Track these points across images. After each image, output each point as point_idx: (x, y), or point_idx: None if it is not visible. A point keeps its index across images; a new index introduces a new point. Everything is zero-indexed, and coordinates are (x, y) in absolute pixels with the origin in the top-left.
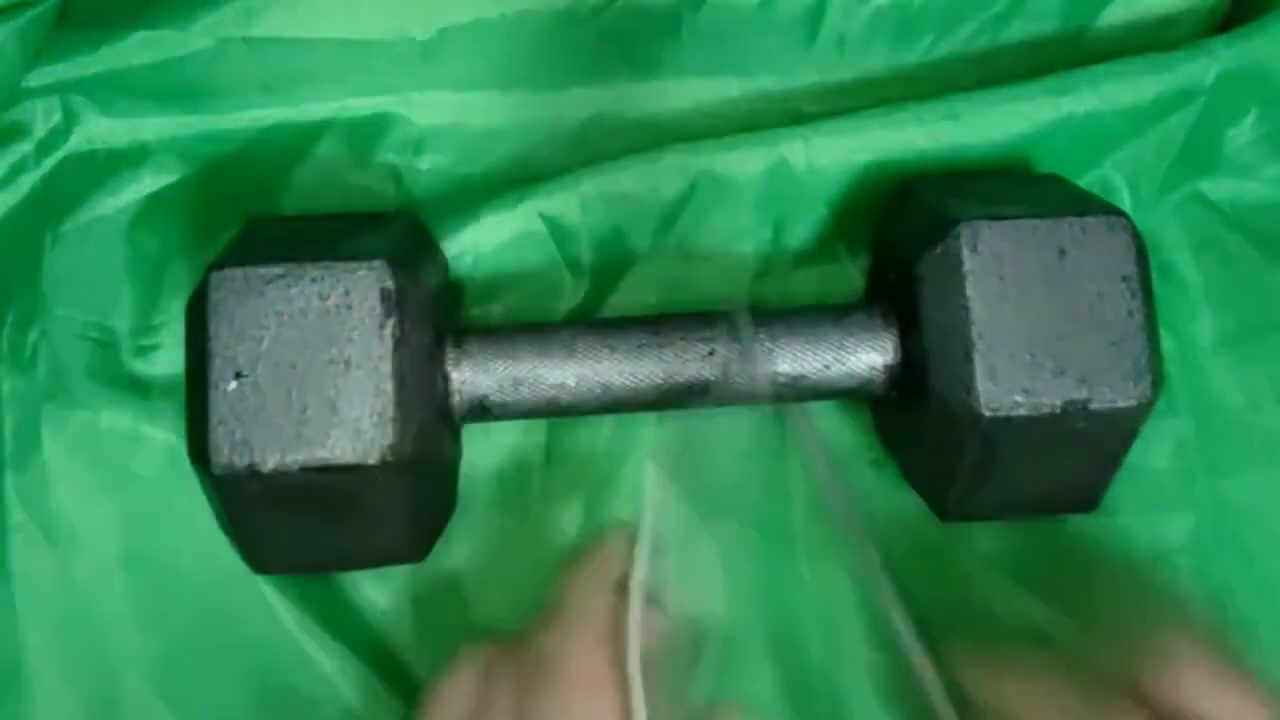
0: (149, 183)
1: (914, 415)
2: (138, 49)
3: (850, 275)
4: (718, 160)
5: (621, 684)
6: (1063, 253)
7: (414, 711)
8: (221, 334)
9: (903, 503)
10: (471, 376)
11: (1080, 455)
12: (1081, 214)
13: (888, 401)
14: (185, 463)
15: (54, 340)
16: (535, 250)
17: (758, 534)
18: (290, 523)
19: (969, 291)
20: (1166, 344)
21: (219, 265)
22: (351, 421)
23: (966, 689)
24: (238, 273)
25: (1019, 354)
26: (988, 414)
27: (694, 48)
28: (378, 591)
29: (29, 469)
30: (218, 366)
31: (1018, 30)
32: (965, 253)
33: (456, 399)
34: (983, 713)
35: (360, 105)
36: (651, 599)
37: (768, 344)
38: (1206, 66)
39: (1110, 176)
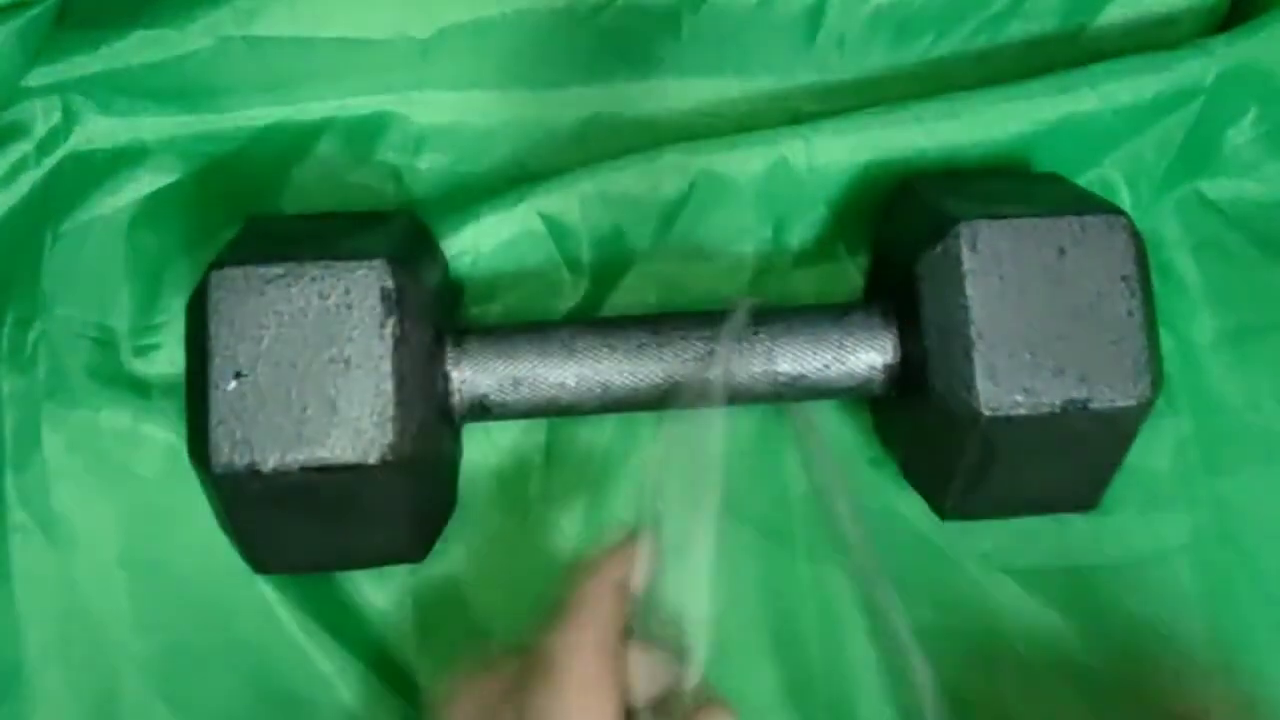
0: (148, 182)
1: (914, 415)
2: (137, 48)
3: (850, 275)
4: (718, 160)
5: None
6: (1062, 252)
7: (418, 712)
8: (222, 333)
9: (903, 502)
10: (471, 376)
11: (1080, 454)
12: (1081, 213)
13: (887, 401)
14: (185, 462)
15: (54, 340)
16: (535, 250)
17: (758, 534)
18: (290, 522)
19: (969, 291)
20: (1166, 343)
21: (219, 264)
22: (351, 421)
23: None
24: (238, 272)
25: (1019, 353)
26: (987, 413)
27: (694, 47)
28: (377, 591)
29: (29, 469)
30: (218, 366)
31: (1017, 29)
32: (965, 252)
33: (456, 398)
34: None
35: (360, 105)
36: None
37: (768, 344)
38: (1206, 66)
39: (1110, 175)
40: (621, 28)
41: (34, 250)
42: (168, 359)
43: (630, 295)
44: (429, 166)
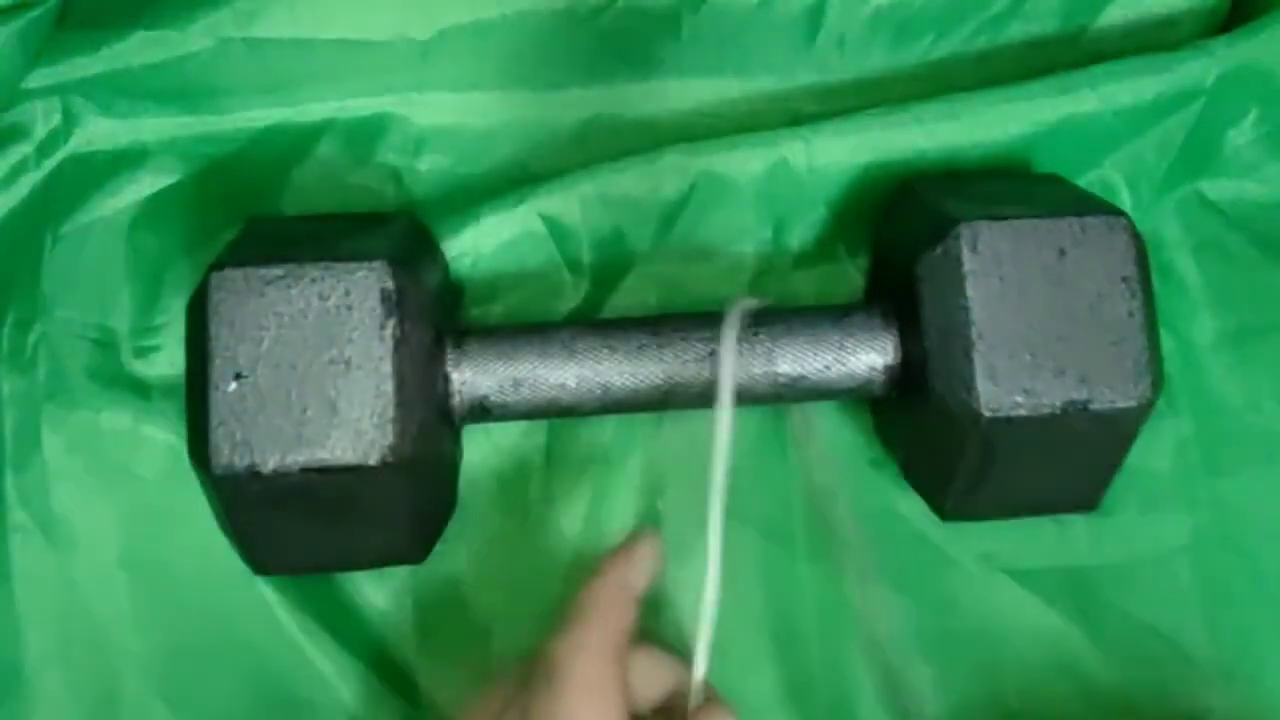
0: (149, 183)
1: (914, 415)
2: (137, 50)
3: (850, 275)
4: (718, 160)
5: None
6: (1063, 253)
7: (418, 712)
8: (222, 334)
9: (903, 503)
10: (472, 377)
11: (1080, 455)
12: (1081, 214)
13: (888, 401)
14: (185, 463)
15: (54, 340)
16: (535, 251)
17: (758, 534)
18: (290, 523)
19: (969, 291)
20: (1166, 344)
21: (219, 266)
22: (352, 422)
23: None
24: (238, 273)
25: (1019, 354)
26: (988, 414)
27: (694, 48)
28: (377, 592)
29: (29, 469)
30: (218, 367)
31: (1017, 30)
32: (965, 253)
33: (457, 399)
34: None
35: (360, 105)
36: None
37: (768, 344)
38: (1207, 67)
39: (1110, 176)
40: (622, 29)
41: (34, 252)
42: (168, 360)
43: (631, 296)
44: (429, 168)
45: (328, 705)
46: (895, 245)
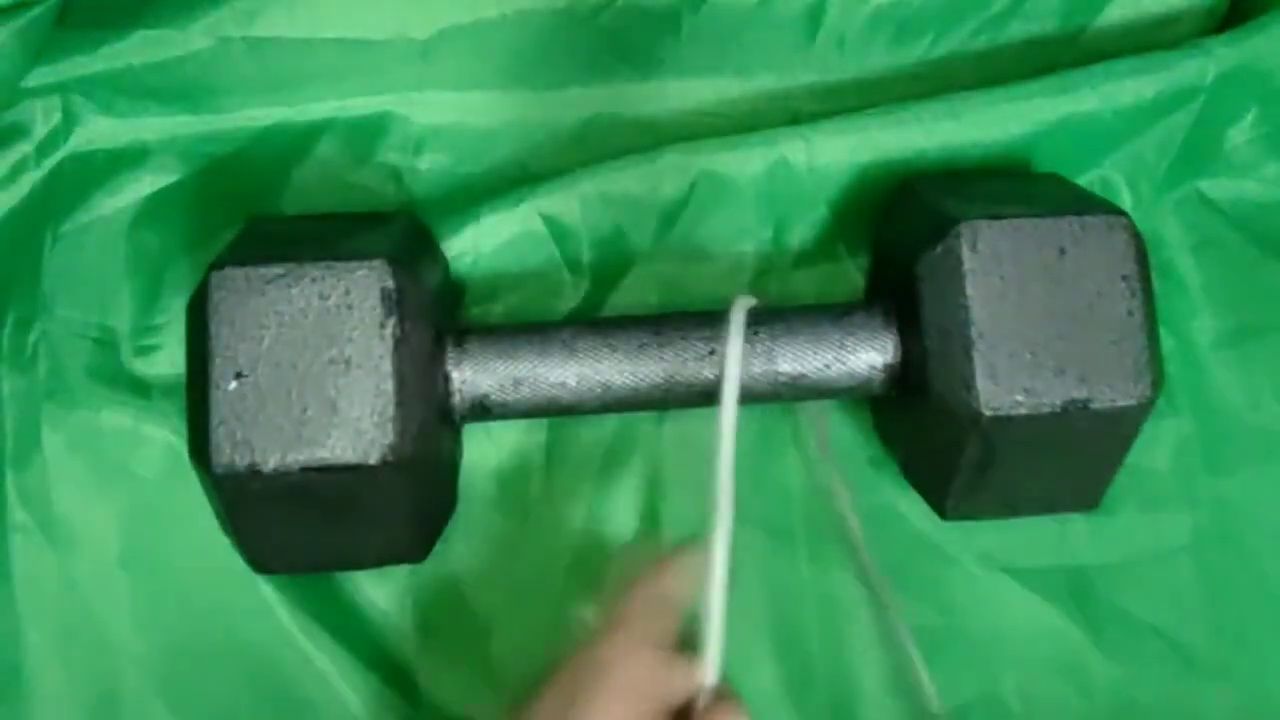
0: (149, 183)
1: (914, 414)
2: (138, 49)
3: (850, 275)
4: (718, 160)
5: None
6: (1063, 252)
7: (418, 712)
8: (222, 334)
9: (903, 502)
10: (472, 376)
11: (1080, 454)
12: (1081, 213)
13: (888, 401)
14: (185, 463)
15: (54, 340)
16: (535, 250)
17: (759, 533)
18: (290, 523)
19: (969, 291)
20: (1166, 343)
21: (219, 265)
22: (352, 421)
23: None
24: (238, 273)
25: (1019, 353)
26: (988, 413)
27: (694, 48)
28: (378, 591)
29: (29, 469)
30: (218, 366)
31: (1017, 30)
32: (965, 252)
33: (457, 399)
34: None
35: (360, 105)
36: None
37: (768, 344)
38: (1206, 66)
39: (1110, 176)
40: (622, 28)
41: (34, 251)
42: (168, 359)
43: (631, 295)
44: (429, 167)
45: (328, 705)
46: (895, 244)
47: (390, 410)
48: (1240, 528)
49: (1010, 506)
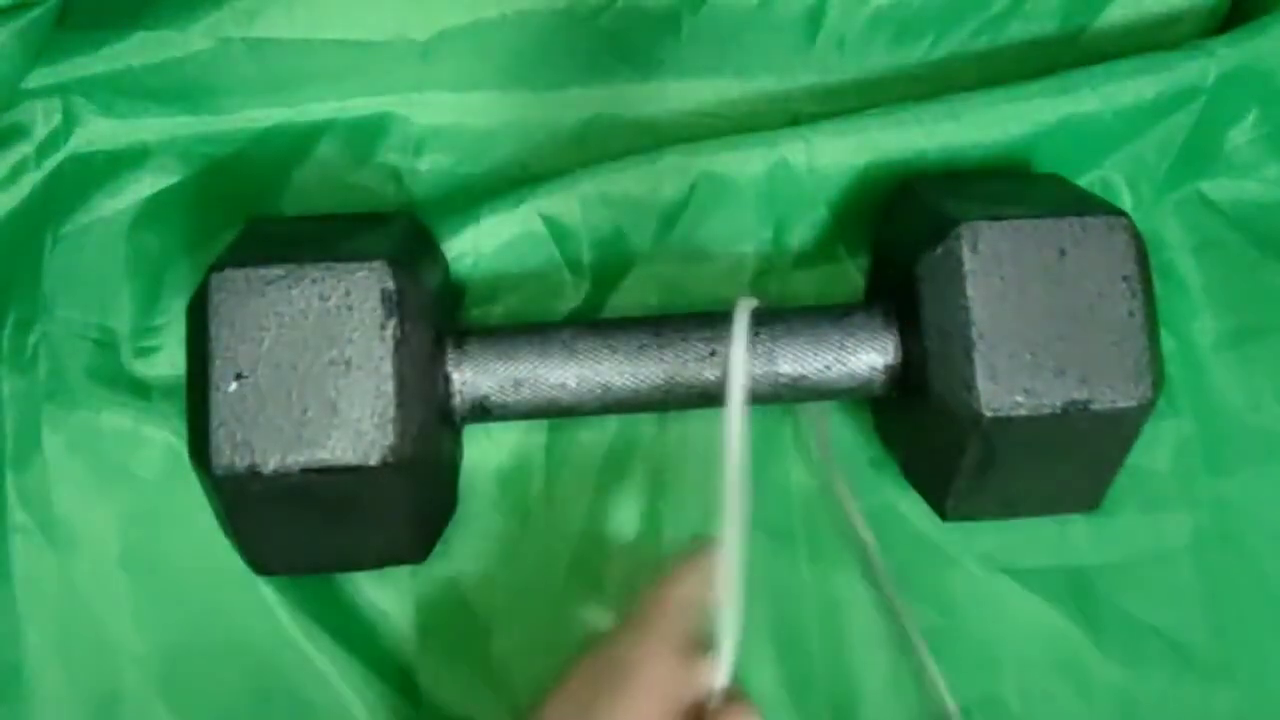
0: (149, 184)
1: (914, 415)
2: (138, 50)
3: (850, 275)
4: (718, 161)
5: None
6: (1063, 253)
7: (418, 712)
8: (222, 335)
9: (903, 502)
10: (472, 377)
11: (1081, 455)
12: (1082, 214)
13: (888, 401)
14: (185, 463)
15: (54, 341)
16: (535, 251)
17: (759, 533)
18: (291, 523)
19: (969, 291)
20: (1167, 344)
21: (219, 266)
22: (352, 422)
23: None
24: (238, 274)
25: (1019, 354)
26: (988, 414)
27: (694, 48)
28: (378, 592)
29: (29, 469)
30: (218, 367)
31: (1018, 30)
32: (965, 253)
33: (457, 400)
34: None
35: (360, 105)
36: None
37: (769, 344)
38: (1207, 66)
39: (1110, 176)
40: (622, 29)
41: (35, 252)
42: (168, 360)
43: (631, 296)
44: (429, 168)
45: (328, 705)
46: (895, 245)
47: (390, 411)
48: (1240, 528)
49: (1010, 507)
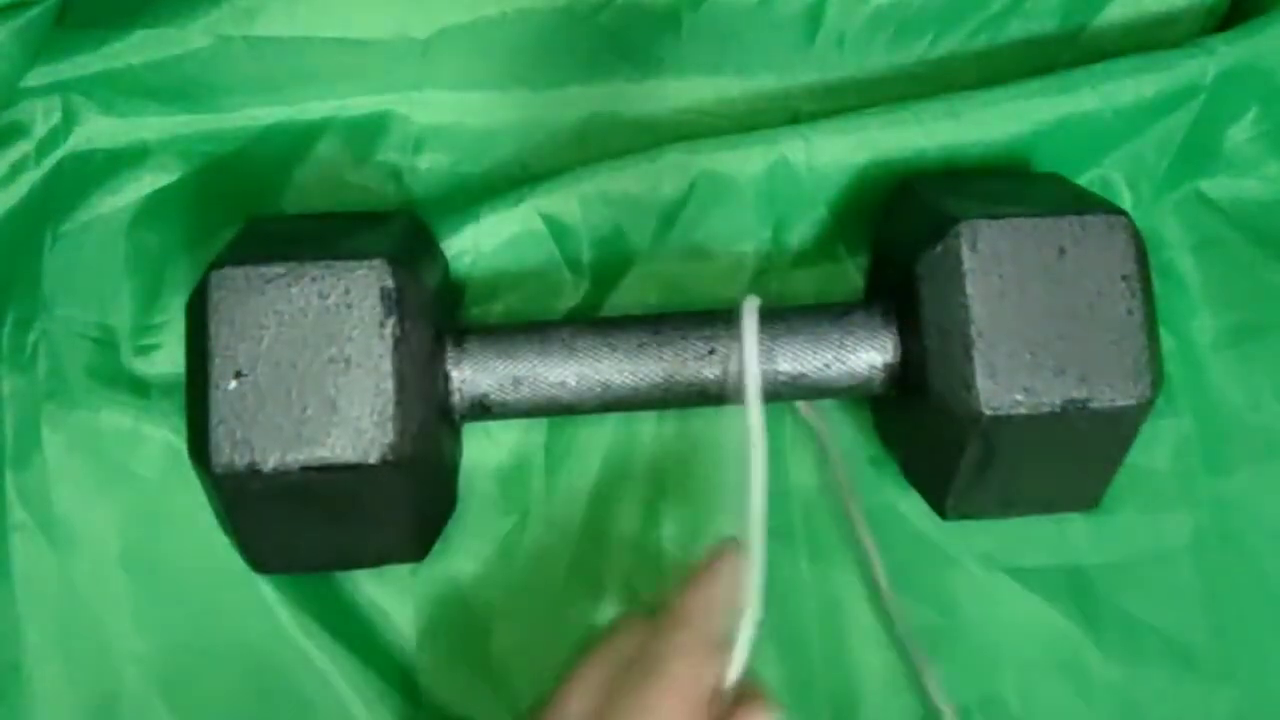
0: (149, 182)
1: (914, 414)
2: (137, 48)
3: (850, 274)
4: (718, 160)
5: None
6: (1062, 251)
7: (418, 712)
8: (222, 333)
9: (903, 502)
10: (472, 375)
11: (1080, 454)
12: (1081, 213)
13: (888, 400)
14: (185, 462)
15: (54, 340)
16: (535, 250)
17: None
18: (290, 522)
19: (969, 290)
20: (1166, 343)
21: (219, 264)
22: (352, 420)
23: None
24: (238, 272)
25: (1019, 353)
26: (988, 413)
27: (693, 47)
28: (377, 591)
29: (29, 469)
30: (218, 366)
31: (1017, 29)
32: (965, 251)
33: (457, 398)
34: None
35: (360, 105)
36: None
37: (768, 343)
38: (1206, 65)
39: (1110, 175)
40: (621, 27)
41: (34, 250)
42: (168, 359)
43: (630, 295)
44: (429, 166)
45: (328, 704)
46: (895, 244)
47: (390, 410)
48: (1240, 528)
49: (1010, 506)
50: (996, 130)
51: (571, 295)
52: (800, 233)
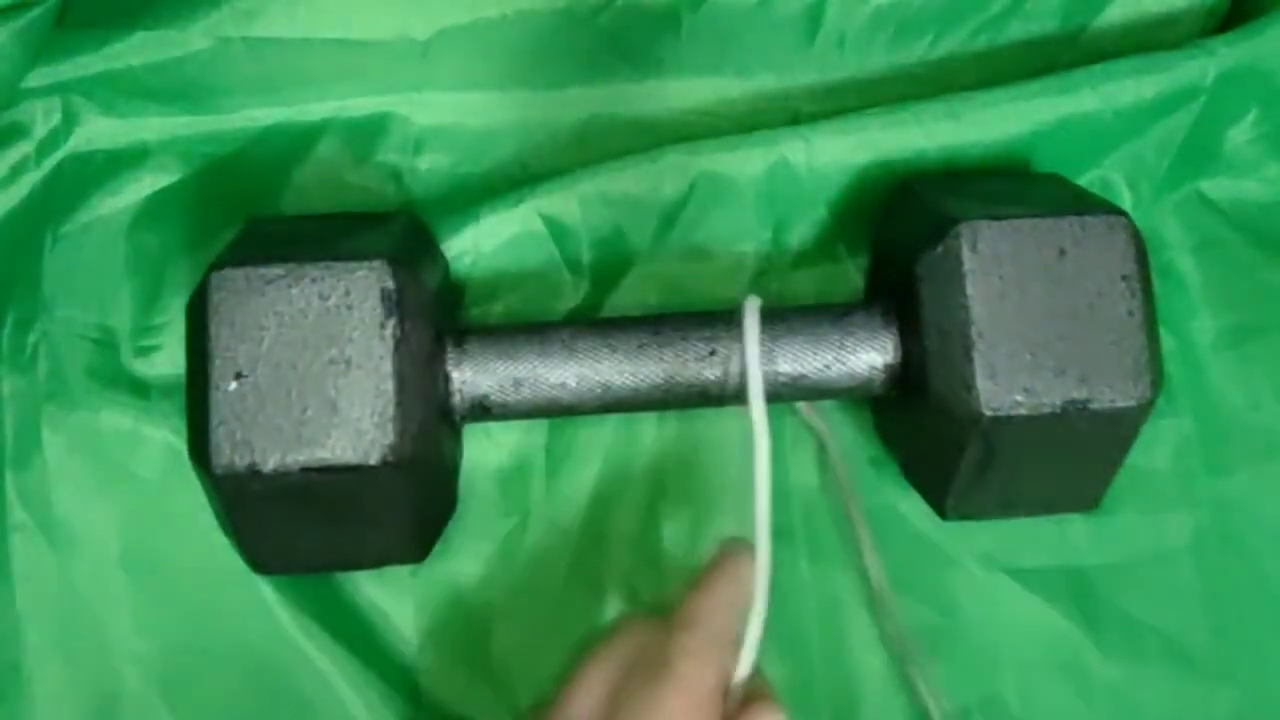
0: (149, 183)
1: (914, 414)
2: (138, 49)
3: (850, 275)
4: (718, 160)
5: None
6: (1063, 252)
7: (418, 712)
8: (222, 334)
9: (903, 502)
10: (472, 376)
11: (1080, 455)
12: (1081, 213)
13: (888, 401)
14: (185, 463)
15: (54, 340)
16: (535, 250)
17: None
18: (290, 523)
19: (969, 291)
20: (1166, 343)
21: (219, 265)
22: (352, 421)
23: None
24: (238, 273)
25: (1019, 353)
26: (988, 413)
27: (693, 47)
28: (378, 591)
29: (29, 469)
30: (218, 367)
31: (1017, 30)
32: (965, 252)
33: (457, 399)
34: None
35: (360, 105)
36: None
37: (768, 344)
38: (1206, 66)
39: (1110, 176)
40: (621, 28)
41: (34, 251)
42: (168, 360)
43: (631, 296)
44: (429, 167)
45: (327, 705)
46: (895, 245)
47: (390, 410)
48: (1240, 528)
49: (1010, 507)
50: (996, 131)
51: (571, 296)
52: (800, 233)
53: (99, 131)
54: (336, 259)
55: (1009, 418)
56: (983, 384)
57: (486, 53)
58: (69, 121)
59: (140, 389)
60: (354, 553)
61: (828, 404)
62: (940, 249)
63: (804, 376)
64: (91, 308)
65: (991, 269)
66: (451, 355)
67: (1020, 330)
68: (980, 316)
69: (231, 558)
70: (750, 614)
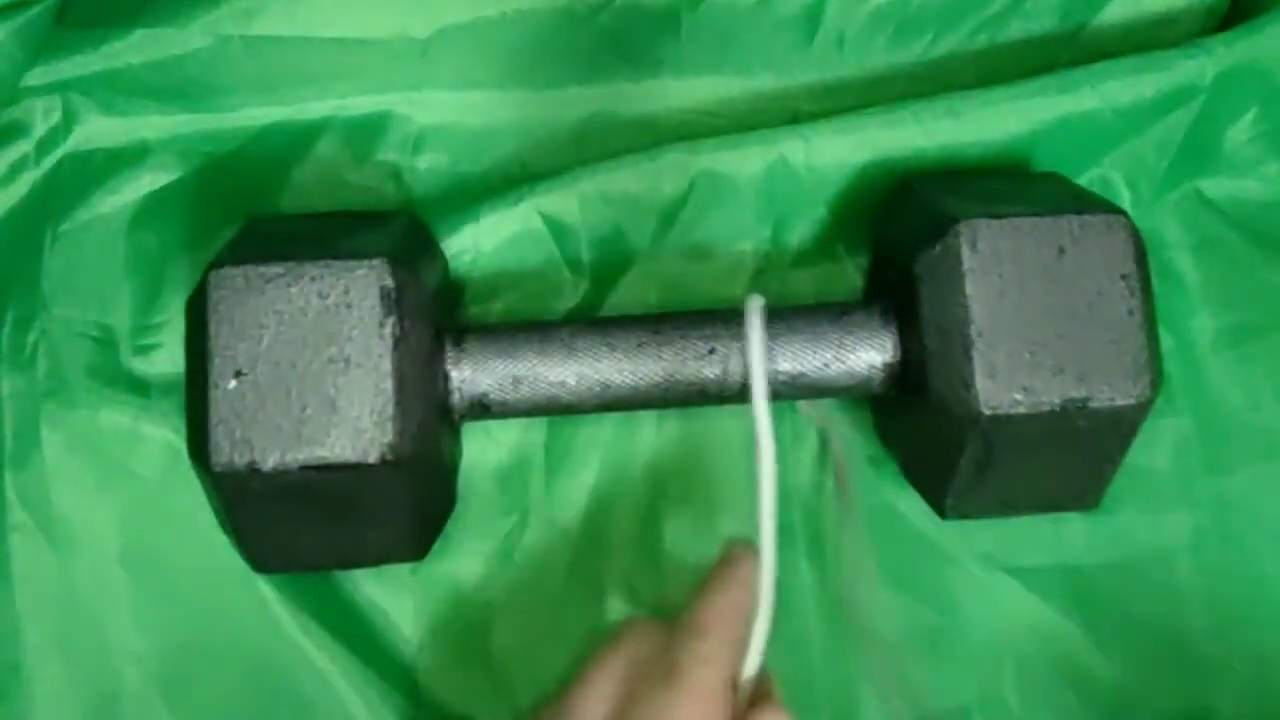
0: (149, 181)
1: (913, 413)
2: (137, 48)
3: (850, 274)
4: (717, 159)
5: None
6: (1062, 251)
7: (418, 712)
8: (221, 333)
9: (903, 502)
10: (471, 375)
11: (1080, 454)
12: (1080, 212)
13: (887, 400)
14: (185, 462)
15: (54, 340)
16: (535, 249)
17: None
18: (290, 521)
19: (968, 290)
20: (1166, 342)
21: (219, 264)
22: (351, 420)
23: None
24: (237, 271)
25: (1018, 352)
26: (987, 412)
27: (693, 47)
28: (377, 591)
29: (29, 468)
30: (218, 365)
31: (1017, 29)
32: (964, 251)
33: (456, 397)
34: None
35: (359, 104)
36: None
37: (768, 343)
38: (1206, 65)
39: (1109, 175)
40: (621, 27)
41: (34, 250)
42: (168, 358)
43: (630, 295)
44: (429, 166)
45: (327, 704)
46: (894, 244)
47: (390, 409)
48: (1240, 528)
49: (1009, 506)
50: (996, 130)
51: (571, 295)
52: (800, 232)
53: (98, 130)
54: (336, 258)
55: (1008, 416)
56: (982, 383)
57: (486, 52)
58: (68, 120)
59: (140, 387)
60: (353, 551)
61: (826, 403)
62: (939, 248)
63: (803, 375)
64: (91, 306)
65: (991, 268)
66: (451, 354)
67: (1019, 329)
68: (979, 315)
69: (231, 556)
70: (756, 614)
